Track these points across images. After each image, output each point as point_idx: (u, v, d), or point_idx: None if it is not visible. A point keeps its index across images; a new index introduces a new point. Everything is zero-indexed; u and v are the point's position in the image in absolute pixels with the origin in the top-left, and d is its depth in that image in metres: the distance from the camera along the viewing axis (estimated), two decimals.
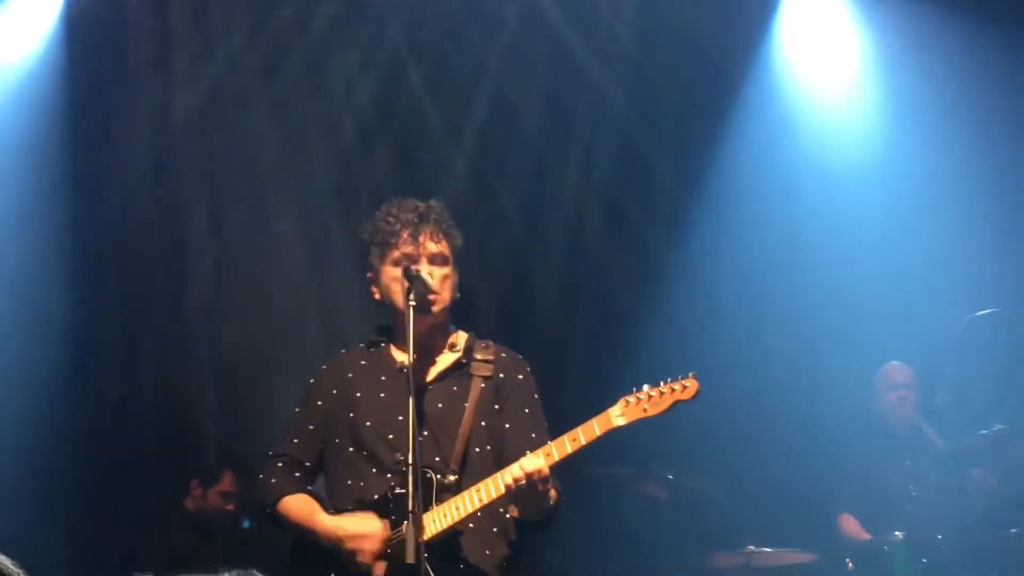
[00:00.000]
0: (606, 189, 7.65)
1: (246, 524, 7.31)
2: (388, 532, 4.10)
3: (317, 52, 7.44)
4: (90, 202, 7.39)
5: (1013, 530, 6.36)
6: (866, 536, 6.77)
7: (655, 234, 7.69)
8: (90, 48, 7.22)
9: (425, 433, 4.13)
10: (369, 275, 4.41)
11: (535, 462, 3.94)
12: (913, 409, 6.97)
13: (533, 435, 4.26)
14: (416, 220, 4.29)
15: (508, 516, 4.22)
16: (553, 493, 4.06)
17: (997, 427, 6.41)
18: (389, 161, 7.59)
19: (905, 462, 6.85)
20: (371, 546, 4.11)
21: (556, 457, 4.00)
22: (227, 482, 7.10)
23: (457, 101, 7.55)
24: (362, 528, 4.13)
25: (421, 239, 4.27)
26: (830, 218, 7.34)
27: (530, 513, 4.14)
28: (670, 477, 6.91)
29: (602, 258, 7.68)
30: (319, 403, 4.40)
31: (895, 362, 7.07)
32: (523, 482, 3.94)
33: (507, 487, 3.98)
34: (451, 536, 4.09)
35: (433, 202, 4.41)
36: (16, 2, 7.06)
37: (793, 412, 7.28)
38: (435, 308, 4.22)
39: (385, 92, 7.52)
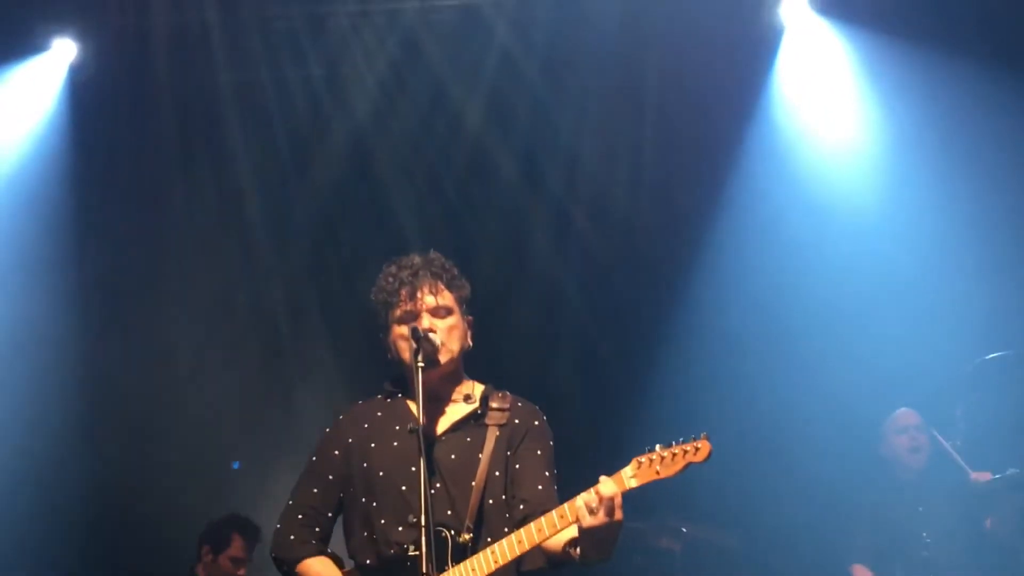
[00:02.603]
0: (598, 235, 7.66)
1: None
2: None
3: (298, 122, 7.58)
4: (96, 257, 7.52)
5: None
6: None
7: (655, 289, 7.69)
8: (94, 112, 7.34)
9: (438, 485, 4.09)
10: (381, 336, 4.42)
11: (610, 488, 3.80)
12: (924, 454, 6.93)
13: (546, 473, 4.23)
14: (412, 277, 4.29)
15: (520, 570, 4.15)
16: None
17: (1010, 471, 6.36)
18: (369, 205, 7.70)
19: (918, 508, 6.79)
20: None
21: (570, 519, 3.93)
22: (237, 547, 6.99)
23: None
24: None
25: (418, 295, 4.26)
26: (836, 261, 7.33)
27: (592, 551, 3.94)
28: (683, 530, 6.87)
29: (600, 310, 7.68)
30: (335, 452, 4.36)
31: (904, 408, 7.04)
32: (594, 509, 3.79)
33: (576, 518, 3.83)
34: None
35: (433, 254, 4.41)
36: (22, 70, 7.20)
37: (803, 461, 7.23)
38: (442, 359, 4.20)
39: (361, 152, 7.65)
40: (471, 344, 4.38)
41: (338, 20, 7.18)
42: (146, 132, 7.40)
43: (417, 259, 4.37)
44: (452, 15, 7.21)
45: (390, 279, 4.34)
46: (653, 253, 7.69)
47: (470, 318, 4.40)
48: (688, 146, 7.46)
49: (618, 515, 3.81)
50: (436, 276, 4.33)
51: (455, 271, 4.40)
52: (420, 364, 4.06)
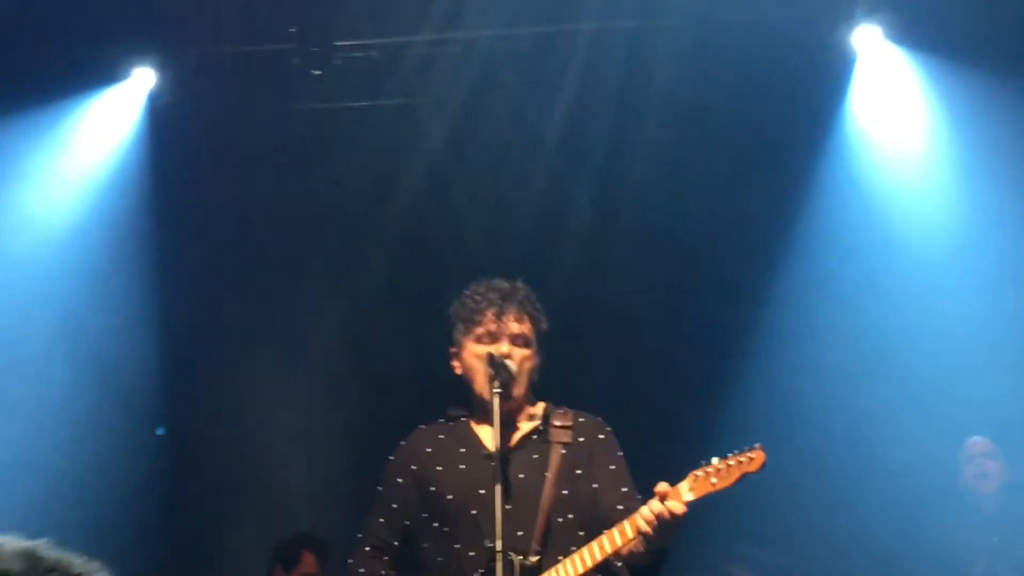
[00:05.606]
0: (674, 265, 7.68)
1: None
2: None
3: (369, 154, 7.68)
4: (176, 294, 7.65)
5: None
6: None
7: (729, 309, 7.66)
8: (172, 140, 7.47)
9: (507, 507, 4.07)
10: (452, 349, 4.43)
11: (679, 507, 3.82)
12: (995, 483, 6.86)
13: (624, 489, 4.24)
14: (501, 300, 4.32)
15: None
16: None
17: None
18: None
19: (992, 539, 6.71)
20: None
21: (630, 535, 3.97)
22: (308, 563, 6.99)
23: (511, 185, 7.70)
24: None
25: (505, 319, 4.29)
26: (911, 288, 7.28)
27: (658, 542, 3.95)
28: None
29: (675, 334, 7.67)
30: (399, 480, 4.39)
31: (976, 436, 6.98)
32: (655, 523, 3.83)
33: (639, 530, 3.87)
34: None
35: (520, 283, 4.45)
36: (104, 99, 7.36)
37: (878, 487, 7.15)
38: (515, 393, 4.24)
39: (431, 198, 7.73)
40: (536, 379, 4.40)
41: (415, 50, 7.20)
42: (224, 161, 7.51)
43: (506, 284, 4.41)
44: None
45: (477, 297, 4.37)
46: (732, 272, 7.65)
47: (542, 355, 4.43)
48: (765, 168, 7.44)
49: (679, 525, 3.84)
50: (522, 305, 4.36)
51: (539, 304, 4.44)
52: (497, 391, 4.08)
